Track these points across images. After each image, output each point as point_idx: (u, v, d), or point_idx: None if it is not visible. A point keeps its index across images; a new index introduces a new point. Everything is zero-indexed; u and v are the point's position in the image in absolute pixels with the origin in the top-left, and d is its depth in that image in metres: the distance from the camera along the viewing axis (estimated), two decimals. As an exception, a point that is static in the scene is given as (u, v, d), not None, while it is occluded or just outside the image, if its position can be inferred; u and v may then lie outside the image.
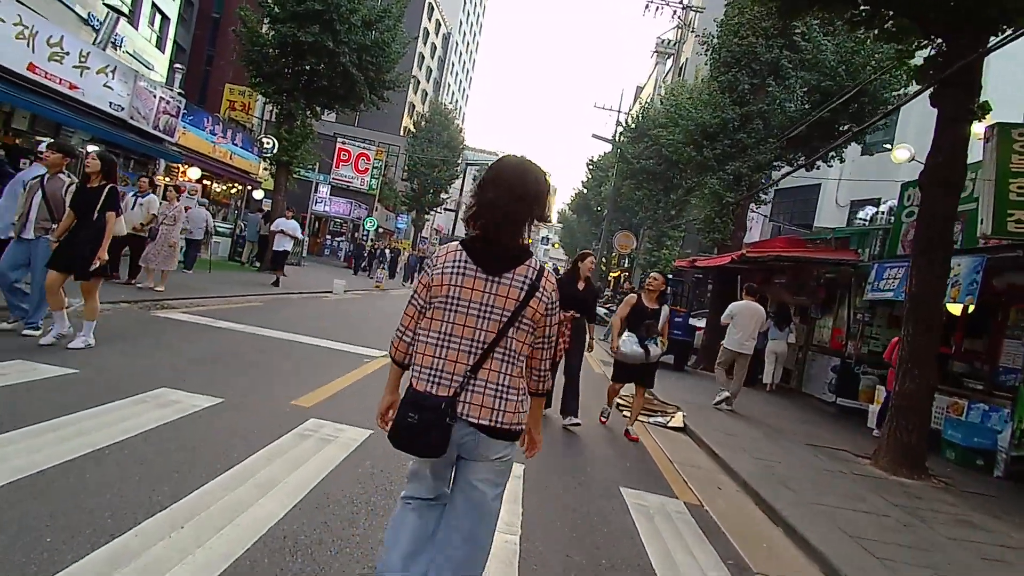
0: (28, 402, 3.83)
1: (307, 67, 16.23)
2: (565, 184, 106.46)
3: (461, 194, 41.50)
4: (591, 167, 38.29)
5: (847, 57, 12.23)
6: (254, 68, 16.34)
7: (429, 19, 65.99)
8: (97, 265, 5.33)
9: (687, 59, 32.10)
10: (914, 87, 12.88)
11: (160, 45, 22.82)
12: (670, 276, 15.51)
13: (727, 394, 8.92)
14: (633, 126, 24.57)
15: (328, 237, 34.76)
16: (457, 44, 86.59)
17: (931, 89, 6.75)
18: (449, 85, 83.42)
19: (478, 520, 1.92)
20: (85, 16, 15.35)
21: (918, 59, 7.42)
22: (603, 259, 35.43)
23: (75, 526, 2.51)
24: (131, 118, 12.85)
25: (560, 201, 74.31)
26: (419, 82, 67.43)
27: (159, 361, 5.51)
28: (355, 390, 5.86)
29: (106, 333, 6.32)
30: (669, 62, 41.76)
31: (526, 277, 1.92)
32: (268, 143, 17.49)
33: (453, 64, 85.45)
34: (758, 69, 13.56)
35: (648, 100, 29.74)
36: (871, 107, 12.37)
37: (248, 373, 5.69)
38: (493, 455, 1.90)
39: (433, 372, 1.89)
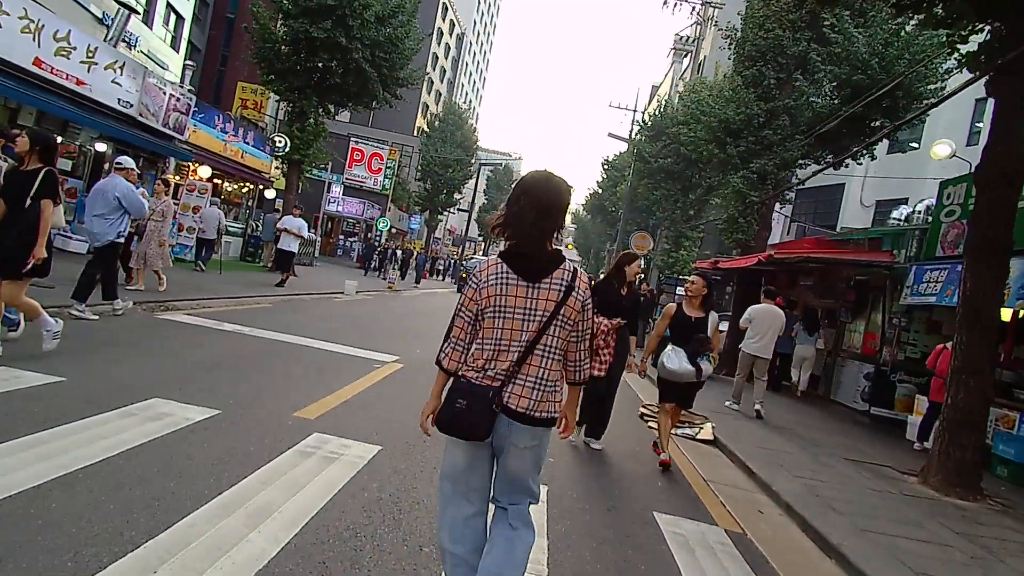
0: (2, 415, 3.48)
1: (319, 64, 15.93)
2: (579, 184, 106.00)
3: (475, 195, 41.15)
4: (606, 167, 37.76)
5: (880, 49, 11.66)
6: (266, 65, 16.07)
7: (443, 19, 65.83)
8: (32, 264, 4.52)
9: (706, 56, 31.50)
10: (949, 81, 12.39)
11: (175, 45, 22.71)
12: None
13: (737, 404, 9.04)
14: (650, 124, 24.05)
15: (341, 237, 34.56)
16: (471, 44, 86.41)
17: (985, 78, 6.23)
18: (463, 86, 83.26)
19: (520, 508, 2.20)
20: (100, 16, 15.19)
21: (968, 44, 6.88)
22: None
23: (27, 570, 2.13)
24: (140, 115, 12.61)
25: (575, 202, 74.01)
26: (432, 83, 67.30)
27: (155, 367, 5.16)
28: (364, 399, 5.48)
29: (103, 337, 6.00)
30: (686, 60, 41.14)
31: (562, 280, 2.10)
32: (280, 142, 17.22)
33: (467, 65, 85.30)
34: (784, 63, 13.03)
35: (666, 98, 29.19)
36: (905, 102, 11.79)
37: (250, 380, 5.32)
38: (527, 442, 2.11)
39: (481, 364, 2.10)
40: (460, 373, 2.15)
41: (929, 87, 11.68)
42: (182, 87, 14.75)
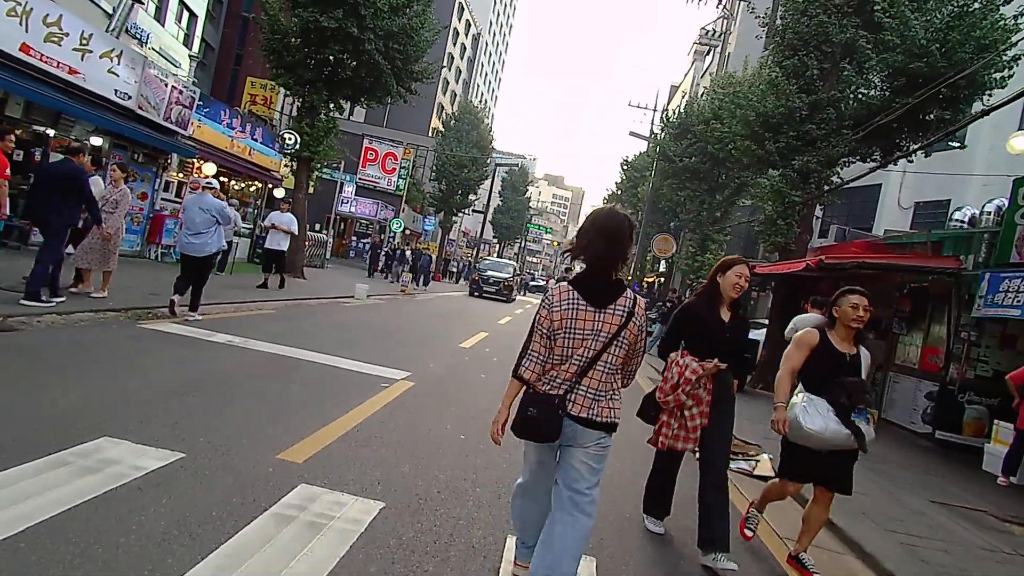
0: None
1: (330, 56, 15.16)
2: (599, 185, 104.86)
3: (490, 196, 40.31)
4: (625, 168, 36.75)
5: (940, 35, 10.61)
6: (275, 58, 15.33)
7: (459, 19, 65.20)
8: None
9: (731, 52, 30.41)
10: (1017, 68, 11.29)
11: (188, 43, 22.16)
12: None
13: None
14: (675, 122, 23.05)
15: (354, 238, 33.87)
16: (487, 45, 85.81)
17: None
18: (478, 86, 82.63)
19: (578, 501, 2.40)
20: (110, 11, 14.58)
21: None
22: (638, 263, 33.88)
23: None
24: (139, 108, 11.88)
25: (590, 204, 72.70)
26: (448, 83, 66.68)
27: (115, 394, 4.31)
28: (366, 433, 4.58)
29: (65, 352, 5.18)
30: (708, 58, 40.02)
31: (624, 307, 2.43)
32: (290, 138, 16.47)
33: (482, 65, 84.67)
34: (829, 52, 12.01)
35: (693, 93, 28.15)
36: (967, 92, 10.73)
37: (230, 409, 4.46)
38: (589, 443, 2.42)
39: (550, 377, 2.45)
40: (533, 385, 2.46)
41: (995, 75, 10.60)
42: (185, 76, 14.01)
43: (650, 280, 33.76)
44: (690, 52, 49.66)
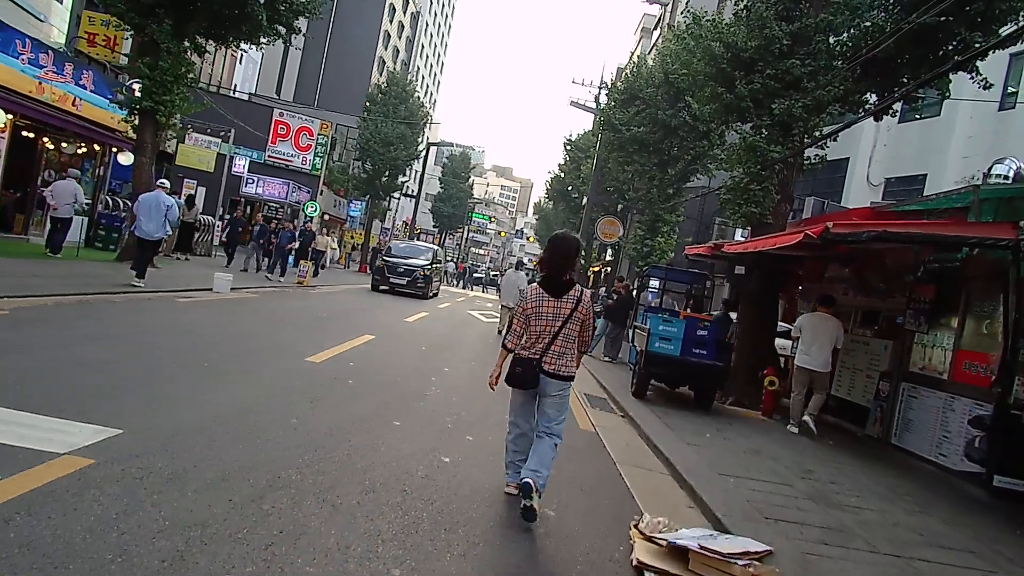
0: None
1: (176, -26, 11.46)
2: (547, 175, 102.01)
3: (422, 176, 36.71)
4: (569, 147, 33.83)
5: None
6: (102, -24, 11.51)
7: (395, -7, 61.03)
8: None
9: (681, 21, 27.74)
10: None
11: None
12: (663, 266, 11.09)
13: (797, 428, 7.90)
14: (622, 87, 20.14)
15: (258, 225, 29.67)
16: (428, 25, 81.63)
17: None
18: (419, 69, 78.39)
19: (549, 426, 3.85)
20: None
21: None
22: (582, 252, 31.08)
23: None
24: None
25: (538, 195, 69.79)
26: (384, 62, 62.35)
27: None
28: None
29: None
30: (656, 32, 37.47)
31: (574, 296, 3.82)
32: (134, 86, 12.65)
33: (423, 47, 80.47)
34: (817, -38, 9.21)
35: (641, 55, 25.37)
36: (1003, 7, 8.07)
37: None
38: (555, 391, 3.80)
39: (529, 346, 3.82)
40: (516, 352, 3.87)
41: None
42: None
43: (596, 269, 31.03)
44: (636, 30, 47.24)
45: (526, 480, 3.51)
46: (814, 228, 6.74)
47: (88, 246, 13.88)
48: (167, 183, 11.44)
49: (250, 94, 39.06)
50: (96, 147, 14.20)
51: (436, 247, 25.44)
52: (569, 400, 3.97)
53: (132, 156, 13.85)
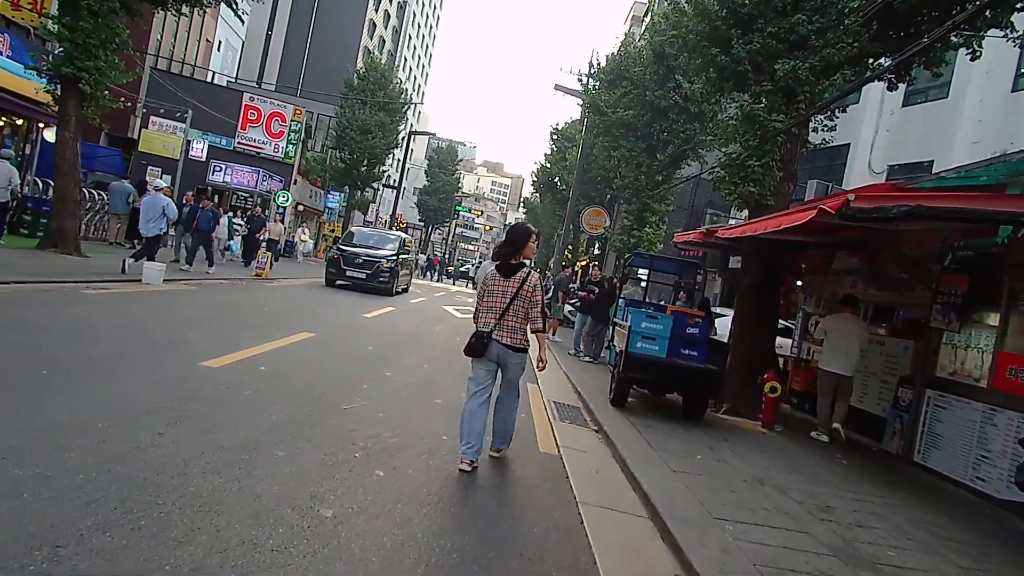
0: None
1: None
2: (533, 164, 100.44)
3: (403, 165, 35.26)
4: (555, 136, 32.48)
5: None
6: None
7: (379, -21, 59.43)
8: None
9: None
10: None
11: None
12: (640, 255, 9.76)
13: (826, 436, 7.35)
14: (609, 67, 18.81)
15: (230, 214, 28.18)
16: (415, 15, 80.00)
17: None
18: (406, 60, 76.79)
19: (509, 390, 4.53)
20: None
21: None
22: (569, 245, 29.76)
23: None
24: None
25: (528, 191, 68.28)
26: (370, 52, 60.68)
27: None
28: None
29: None
30: (647, 20, 36.13)
31: (521, 276, 4.32)
32: (54, 50, 11.20)
33: (411, 37, 78.87)
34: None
35: (628, 31, 24.08)
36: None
37: None
38: (513, 360, 4.36)
39: (484, 321, 4.36)
40: (476, 327, 4.40)
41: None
42: None
43: (583, 263, 29.73)
44: (627, 19, 45.93)
45: (494, 453, 4.59)
46: (831, 202, 5.46)
47: (12, 232, 12.42)
48: (163, 184, 13.33)
49: (228, 81, 37.48)
50: (19, 122, 12.70)
51: (403, 235, 21.77)
52: (525, 367, 4.54)
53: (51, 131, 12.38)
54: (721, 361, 7.06)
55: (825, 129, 8.73)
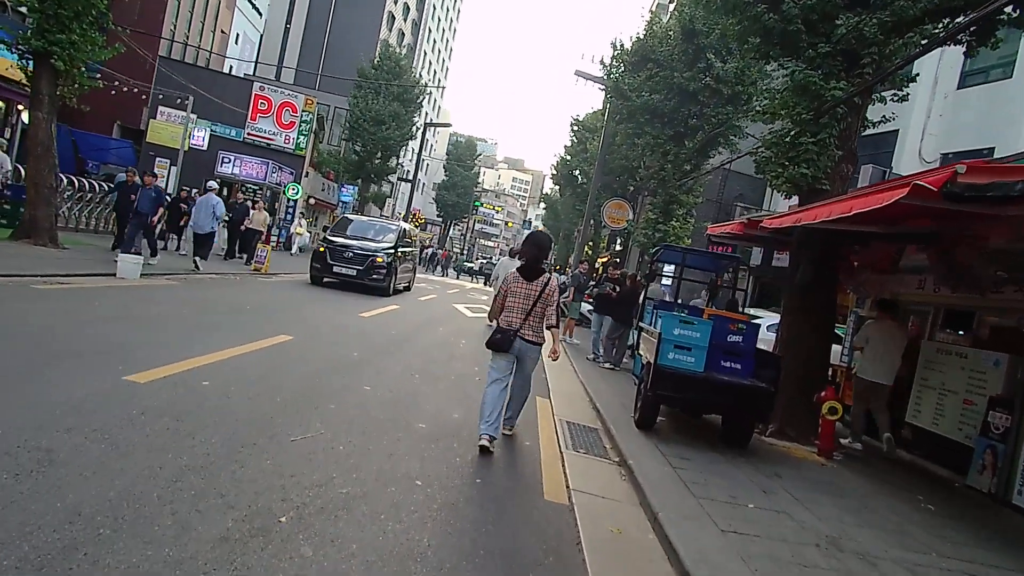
0: None
1: None
2: (552, 157, 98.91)
3: (418, 158, 34.20)
4: (576, 128, 31.16)
5: None
6: None
7: (398, -28, 58.57)
8: None
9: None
10: None
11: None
12: (676, 247, 8.39)
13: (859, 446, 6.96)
14: (633, 48, 17.47)
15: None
16: (435, 8, 79.01)
17: None
18: (426, 54, 75.86)
19: (525, 380, 5.07)
20: None
21: None
22: (589, 242, 28.45)
23: None
24: None
25: (548, 187, 66.90)
26: (389, 46, 59.85)
27: None
28: None
29: None
30: (671, 5, 34.54)
31: (543, 281, 4.88)
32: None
33: (430, 31, 77.93)
34: None
35: (654, 13, 22.67)
36: None
37: None
38: (531, 353, 4.91)
39: (508, 320, 4.84)
40: (498, 323, 4.91)
41: None
42: None
43: (603, 260, 28.39)
44: (652, 4, 44.27)
45: (507, 428, 5.13)
46: (928, 178, 4.18)
47: (-11, 223, 11.58)
48: (216, 185, 13.83)
49: (246, 74, 36.78)
50: (-3, 103, 11.84)
51: (404, 225, 18.19)
52: (540, 358, 5.15)
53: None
54: (771, 377, 5.78)
55: (896, 99, 7.37)
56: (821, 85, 6.86)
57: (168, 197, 14.38)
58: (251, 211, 16.51)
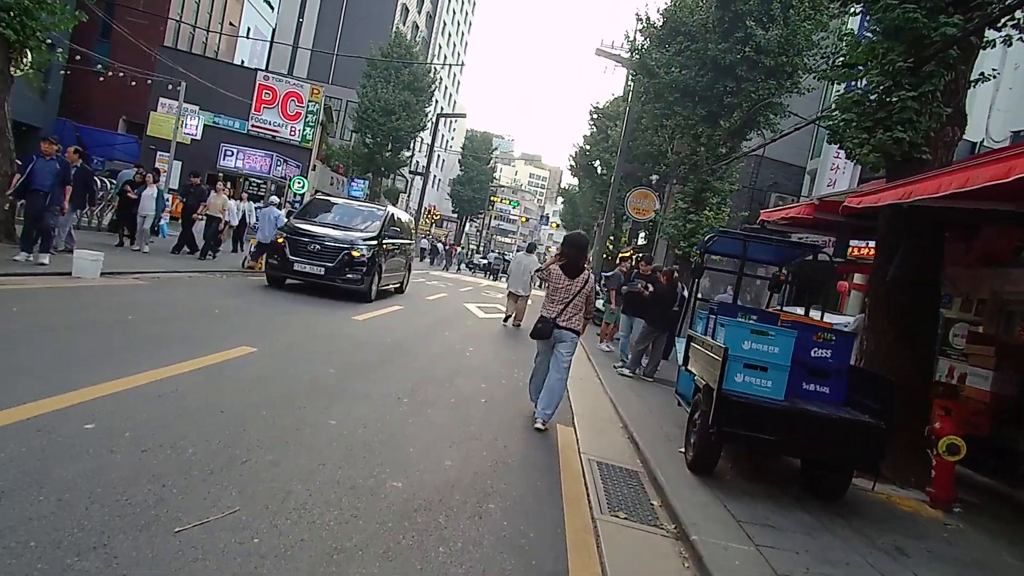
0: None
1: None
2: (571, 147, 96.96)
3: (431, 150, 32.83)
4: (596, 116, 29.53)
5: None
6: None
7: (411, -38, 57.26)
8: None
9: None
10: None
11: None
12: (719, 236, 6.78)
13: None
14: (661, 21, 15.85)
15: (234, 203, 26.23)
16: (450, 1, 77.67)
17: None
18: (441, 48, 74.55)
19: (561, 373, 5.36)
20: None
21: None
22: (611, 236, 26.86)
23: None
24: None
25: (566, 183, 65.13)
26: (405, 38, 58.62)
27: None
28: None
29: None
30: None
31: (583, 279, 5.43)
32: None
33: (445, 24, 76.60)
34: None
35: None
36: None
37: None
38: (568, 340, 5.38)
39: (549, 310, 5.40)
40: (541, 313, 5.43)
41: None
42: None
43: (625, 255, 26.79)
44: None
45: (541, 423, 5.29)
46: None
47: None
48: (276, 199, 14.52)
49: (257, 69, 35.73)
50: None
51: (393, 210, 14.17)
52: (576, 345, 5.50)
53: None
54: (878, 409, 4.23)
55: (1019, 38, 5.76)
56: (925, 23, 5.29)
57: (103, 180, 13.40)
58: (209, 194, 14.05)
